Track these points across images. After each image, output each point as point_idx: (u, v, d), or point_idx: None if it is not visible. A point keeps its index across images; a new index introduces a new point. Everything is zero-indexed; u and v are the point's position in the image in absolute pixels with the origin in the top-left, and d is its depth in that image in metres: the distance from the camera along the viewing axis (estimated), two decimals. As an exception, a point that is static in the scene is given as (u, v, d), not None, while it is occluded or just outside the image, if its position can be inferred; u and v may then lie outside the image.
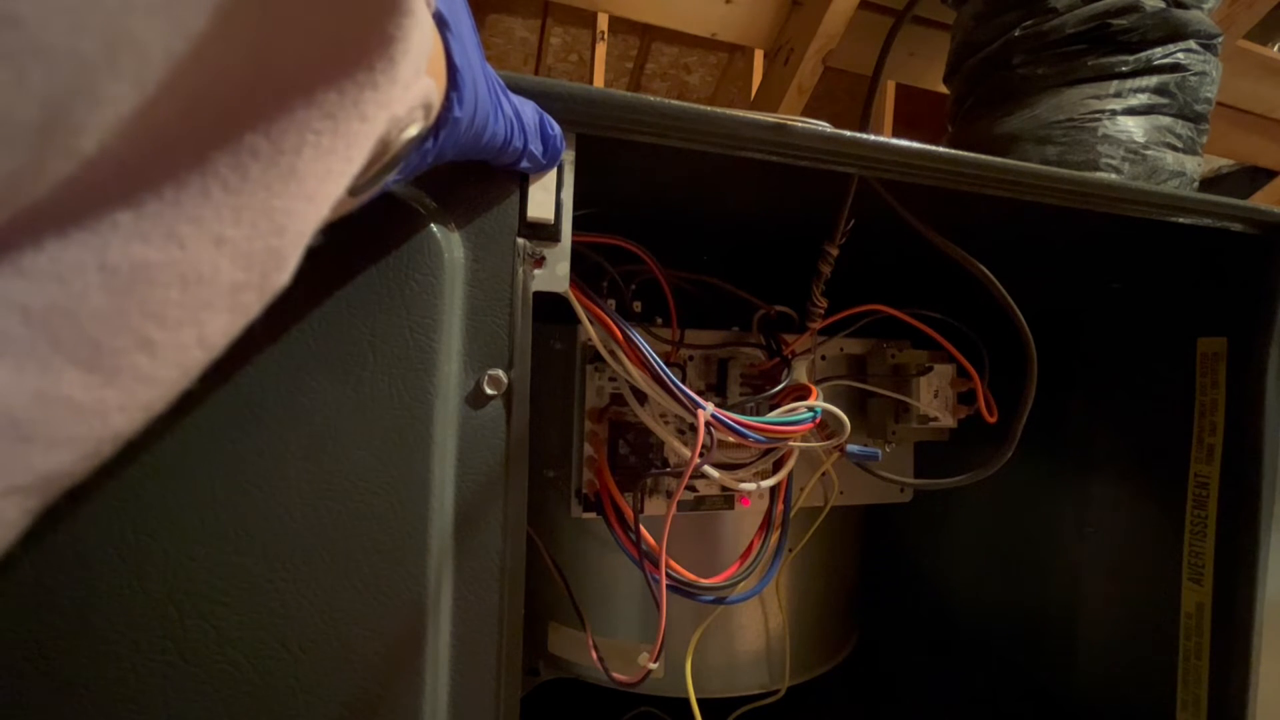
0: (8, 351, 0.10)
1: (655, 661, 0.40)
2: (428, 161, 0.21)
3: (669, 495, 0.44)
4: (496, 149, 0.25)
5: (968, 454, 0.46)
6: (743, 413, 0.37)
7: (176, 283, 0.12)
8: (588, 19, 1.05)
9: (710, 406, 0.35)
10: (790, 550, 0.51)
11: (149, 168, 0.11)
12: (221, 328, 0.13)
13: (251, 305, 0.13)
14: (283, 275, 0.13)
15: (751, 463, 0.43)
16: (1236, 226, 0.42)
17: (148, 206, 0.11)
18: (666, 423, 0.41)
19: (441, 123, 0.20)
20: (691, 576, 0.40)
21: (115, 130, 0.10)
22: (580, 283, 0.34)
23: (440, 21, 0.19)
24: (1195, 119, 0.61)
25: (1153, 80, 0.59)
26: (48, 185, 0.10)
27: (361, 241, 0.27)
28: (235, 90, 0.12)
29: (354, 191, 0.18)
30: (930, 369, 0.48)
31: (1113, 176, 0.59)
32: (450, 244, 0.28)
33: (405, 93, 0.16)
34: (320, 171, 0.13)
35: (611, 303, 0.36)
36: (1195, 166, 0.62)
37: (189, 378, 0.13)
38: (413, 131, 0.18)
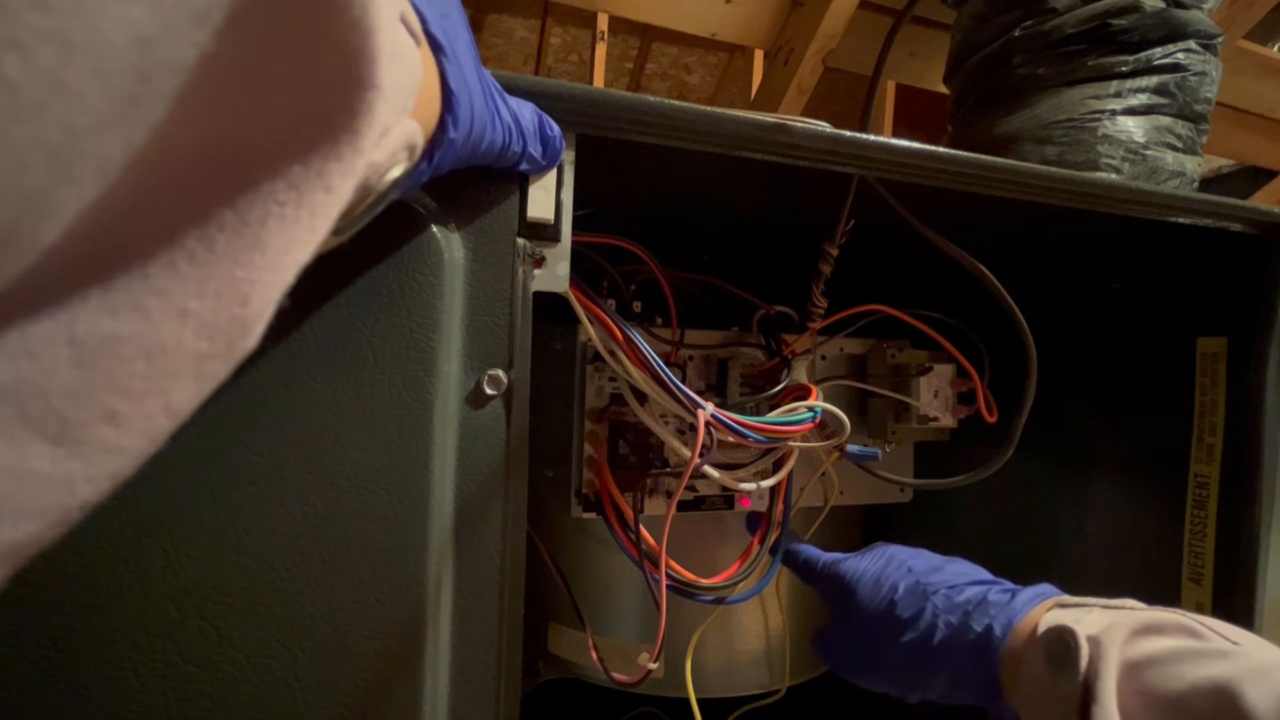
0: None
1: (655, 661, 0.40)
2: (423, 180, 0.21)
3: (669, 495, 0.44)
4: (495, 155, 0.25)
5: (968, 454, 0.45)
6: (743, 413, 0.37)
7: (141, 355, 0.12)
8: (588, 19, 1.05)
9: (710, 406, 0.35)
10: (790, 550, 0.51)
11: (115, 243, 0.11)
12: (188, 396, 0.13)
13: (218, 372, 0.13)
14: (248, 342, 0.14)
15: (751, 463, 0.43)
16: (1236, 226, 0.42)
17: (116, 280, 0.11)
18: (666, 423, 0.41)
19: (436, 144, 0.20)
20: (691, 576, 0.40)
21: (79, 217, 0.10)
22: (580, 283, 0.34)
23: (435, 46, 0.19)
24: (1195, 119, 0.61)
25: (1153, 80, 0.59)
26: (10, 277, 0.10)
27: (362, 242, 0.26)
28: (199, 165, 0.12)
29: (338, 231, 0.18)
30: (930, 369, 0.48)
31: (1113, 176, 0.59)
32: (450, 244, 0.28)
33: (380, 144, 0.16)
34: (284, 242, 0.13)
35: (611, 303, 0.36)
36: (1195, 166, 0.62)
37: (156, 445, 0.13)
38: (395, 174, 0.18)
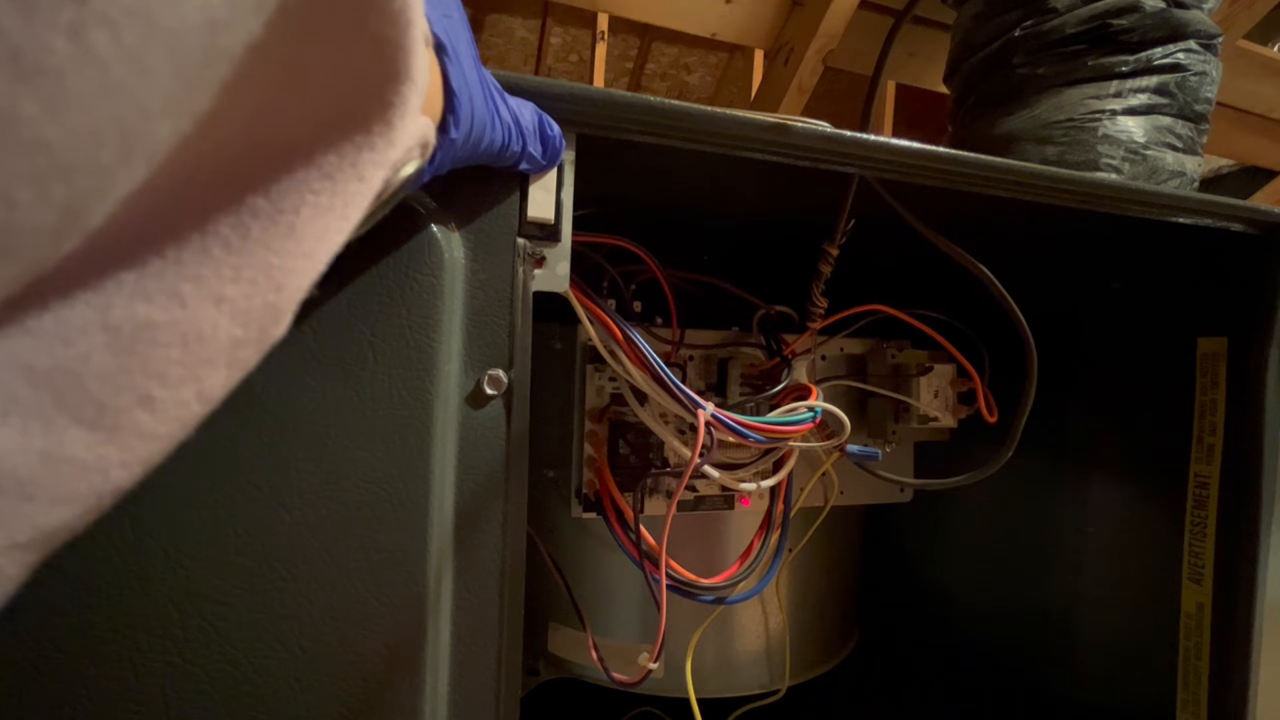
0: (13, 412, 0.10)
1: (655, 661, 0.40)
2: (424, 180, 0.21)
3: (669, 495, 0.44)
4: (494, 155, 0.25)
5: (968, 454, 0.45)
6: (743, 413, 0.37)
7: (178, 341, 0.12)
8: (588, 19, 1.05)
9: (710, 406, 0.35)
10: (790, 550, 0.51)
11: (152, 229, 0.12)
12: (220, 383, 0.13)
13: (249, 359, 0.13)
14: (279, 329, 0.14)
15: (751, 463, 0.43)
16: (1236, 226, 0.42)
17: (150, 266, 0.11)
18: (666, 423, 0.41)
19: (438, 145, 0.20)
20: (691, 576, 0.40)
21: (121, 203, 0.10)
22: (580, 283, 0.34)
23: (439, 48, 0.19)
24: (1195, 119, 0.61)
25: (1153, 80, 0.59)
26: (55, 261, 0.10)
27: (361, 242, 0.26)
28: (237, 154, 0.12)
29: None
30: (930, 369, 0.48)
31: (1113, 176, 0.59)
32: (450, 244, 0.28)
33: (402, 141, 0.16)
34: (318, 230, 0.13)
35: (611, 303, 0.36)
36: (1195, 166, 0.62)
37: (187, 431, 0.13)
38: (409, 170, 0.18)
